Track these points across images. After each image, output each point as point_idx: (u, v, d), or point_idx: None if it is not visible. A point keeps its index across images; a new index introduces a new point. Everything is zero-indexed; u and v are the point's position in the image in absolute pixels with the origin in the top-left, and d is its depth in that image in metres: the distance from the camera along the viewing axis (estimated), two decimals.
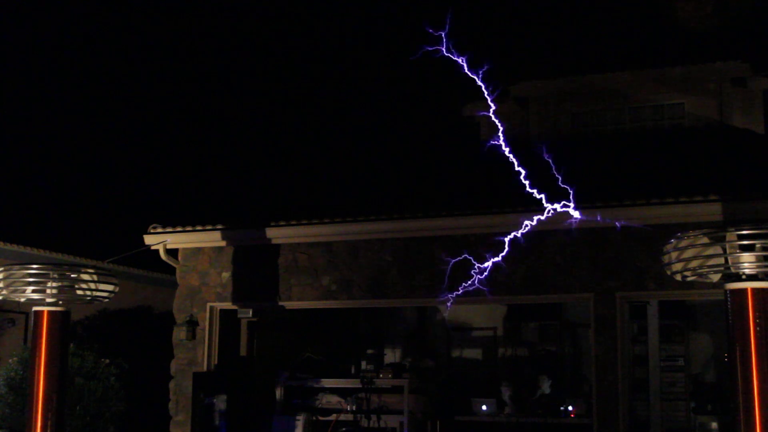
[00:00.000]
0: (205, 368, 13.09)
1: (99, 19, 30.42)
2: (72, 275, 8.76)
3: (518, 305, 15.24)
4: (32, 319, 8.90)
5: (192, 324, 13.22)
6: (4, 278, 8.71)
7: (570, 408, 13.07)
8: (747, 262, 6.66)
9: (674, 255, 7.02)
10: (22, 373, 12.93)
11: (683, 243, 6.91)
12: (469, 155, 16.61)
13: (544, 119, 16.39)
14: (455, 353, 16.69)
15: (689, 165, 13.10)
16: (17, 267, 8.76)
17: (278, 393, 13.55)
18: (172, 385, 13.28)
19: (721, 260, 6.74)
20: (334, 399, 13.47)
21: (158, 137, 28.62)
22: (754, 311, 6.65)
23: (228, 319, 13.46)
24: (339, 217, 12.63)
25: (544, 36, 18.28)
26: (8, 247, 16.50)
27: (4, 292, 8.75)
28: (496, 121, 10.03)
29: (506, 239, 11.87)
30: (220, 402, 12.74)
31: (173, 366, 13.32)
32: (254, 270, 13.18)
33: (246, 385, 13.47)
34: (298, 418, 13.10)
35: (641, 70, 15.76)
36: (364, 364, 14.62)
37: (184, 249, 13.58)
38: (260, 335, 14.26)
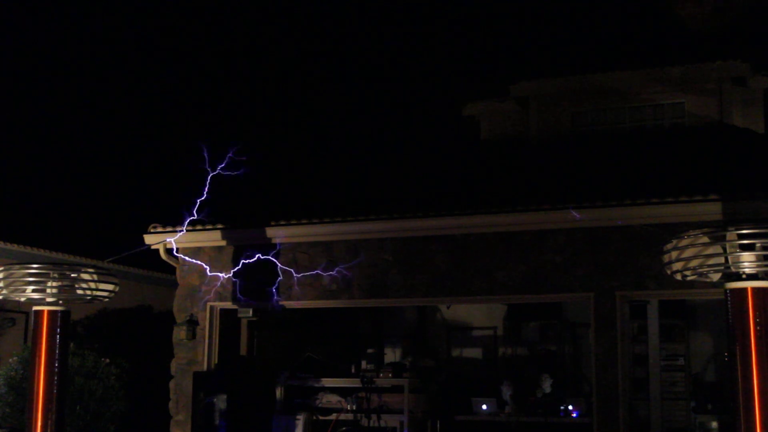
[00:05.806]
0: (205, 368, 13.08)
1: (99, 18, 30.42)
2: (72, 275, 8.77)
3: (518, 305, 15.23)
4: (32, 318, 8.91)
5: (192, 323, 13.21)
6: (4, 278, 8.71)
7: (570, 408, 13.07)
8: (747, 261, 6.66)
9: (674, 254, 7.02)
10: (22, 372, 12.94)
11: (683, 242, 6.92)
12: (470, 154, 16.62)
13: (544, 119, 16.38)
14: (455, 353, 16.69)
15: (689, 164, 13.09)
16: (17, 267, 8.76)
17: (278, 393, 13.55)
18: (172, 384, 13.28)
19: (721, 260, 6.74)
20: (334, 398, 13.47)
21: (158, 137, 28.63)
22: (754, 311, 6.65)
23: (228, 318, 13.45)
24: (339, 217, 12.62)
25: (544, 35, 18.28)
26: (8, 246, 16.53)
27: (4, 291, 8.76)
28: (496, 121, 10.06)
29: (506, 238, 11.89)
30: (220, 402, 12.73)
31: (173, 365, 13.32)
32: (254, 270, 13.17)
33: (246, 385, 13.46)
34: (298, 417, 13.11)
35: (641, 70, 15.74)
36: (364, 364, 14.62)
37: (184, 249, 13.58)
38: (260, 335, 14.25)
